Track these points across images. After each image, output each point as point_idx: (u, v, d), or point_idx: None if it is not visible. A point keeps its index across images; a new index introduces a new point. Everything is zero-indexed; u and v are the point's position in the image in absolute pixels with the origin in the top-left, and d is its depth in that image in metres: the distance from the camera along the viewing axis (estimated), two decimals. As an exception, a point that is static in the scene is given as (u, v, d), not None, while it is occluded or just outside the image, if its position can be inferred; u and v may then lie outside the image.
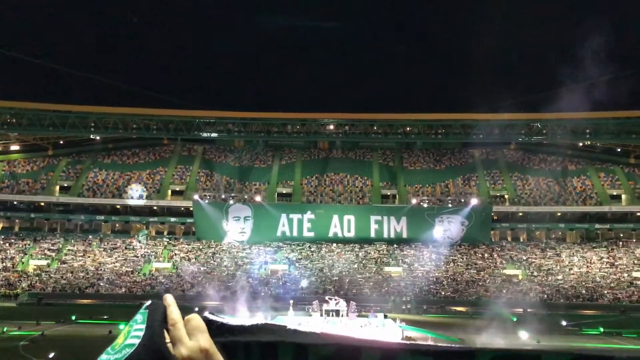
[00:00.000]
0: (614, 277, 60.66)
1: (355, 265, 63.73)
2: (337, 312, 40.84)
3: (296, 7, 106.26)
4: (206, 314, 1.38)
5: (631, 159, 73.74)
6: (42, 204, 69.93)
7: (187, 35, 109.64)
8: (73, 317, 41.17)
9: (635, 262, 63.12)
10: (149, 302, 1.33)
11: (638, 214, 68.21)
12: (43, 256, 64.15)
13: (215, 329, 1.35)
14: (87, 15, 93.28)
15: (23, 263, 62.55)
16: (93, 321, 40.67)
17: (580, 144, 72.99)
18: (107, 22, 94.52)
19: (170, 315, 1.33)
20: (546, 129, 64.55)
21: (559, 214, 69.20)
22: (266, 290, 57.72)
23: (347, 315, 41.02)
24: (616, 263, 63.20)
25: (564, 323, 44.62)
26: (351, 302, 43.57)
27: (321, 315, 41.37)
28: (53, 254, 64.56)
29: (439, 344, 1.39)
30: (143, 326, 1.29)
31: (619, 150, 73.26)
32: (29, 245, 65.68)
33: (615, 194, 71.00)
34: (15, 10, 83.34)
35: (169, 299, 1.34)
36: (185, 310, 1.32)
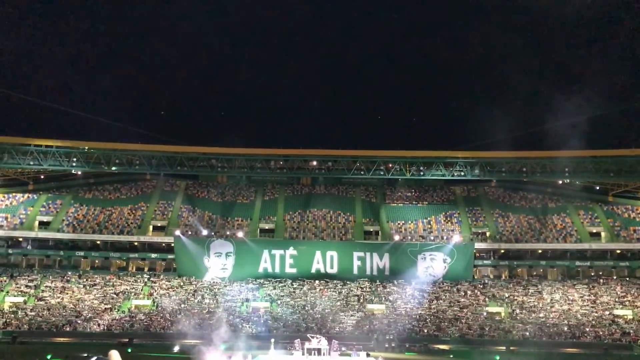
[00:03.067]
0: (596, 314, 60.84)
1: (338, 303, 63.20)
2: (319, 351, 40.35)
3: (279, 44, 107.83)
4: None
5: (609, 197, 75.06)
6: (20, 239, 68.89)
7: (173, 69, 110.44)
8: (48, 356, 40.03)
9: (617, 300, 63.49)
10: (94, 359, 1.26)
11: (617, 251, 68.95)
12: (19, 293, 62.76)
13: None
14: (66, 47, 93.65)
15: (-2, 300, 61.20)
16: (69, 360, 39.61)
17: (560, 182, 74.14)
18: (85, 56, 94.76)
19: None
20: (526, 167, 65.57)
21: (540, 251, 69.64)
22: (247, 328, 56.99)
23: (329, 354, 40.56)
24: (597, 301, 63.46)
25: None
26: (333, 340, 43.15)
27: (303, 354, 40.87)
28: (30, 291, 63.22)
29: None
30: None
31: (597, 188, 74.47)
32: (5, 281, 64.29)
33: (594, 231, 71.79)
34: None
35: (114, 356, 1.26)
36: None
